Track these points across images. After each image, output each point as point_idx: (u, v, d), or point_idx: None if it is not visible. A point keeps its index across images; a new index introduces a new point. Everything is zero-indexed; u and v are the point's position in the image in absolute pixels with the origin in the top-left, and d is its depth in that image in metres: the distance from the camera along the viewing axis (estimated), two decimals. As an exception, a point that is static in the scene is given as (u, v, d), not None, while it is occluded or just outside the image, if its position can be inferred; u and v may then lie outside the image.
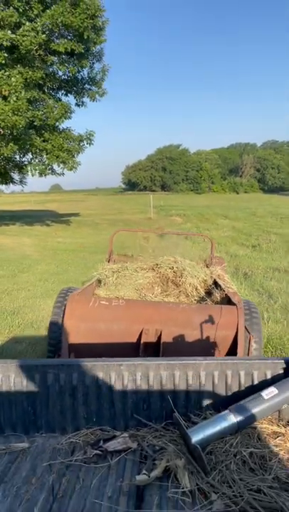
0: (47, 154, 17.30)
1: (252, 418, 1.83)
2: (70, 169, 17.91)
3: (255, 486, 1.50)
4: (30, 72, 14.89)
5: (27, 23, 14.09)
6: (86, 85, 18.97)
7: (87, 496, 1.53)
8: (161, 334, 3.41)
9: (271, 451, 1.73)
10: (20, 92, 13.74)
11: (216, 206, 38.52)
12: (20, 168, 19.54)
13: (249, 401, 1.86)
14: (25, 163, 19.28)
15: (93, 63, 18.67)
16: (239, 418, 1.80)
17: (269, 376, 2.05)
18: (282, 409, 1.94)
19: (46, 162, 17.94)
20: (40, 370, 2.02)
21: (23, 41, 13.92)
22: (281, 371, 2.04)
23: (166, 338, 3.39)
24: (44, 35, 14.48)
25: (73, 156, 18.02)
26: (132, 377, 2.04)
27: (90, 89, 19.03)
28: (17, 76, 13.93)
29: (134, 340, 3.47)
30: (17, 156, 18.57)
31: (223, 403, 2.00)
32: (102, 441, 1.84)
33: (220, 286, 4.61)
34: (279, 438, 1.83)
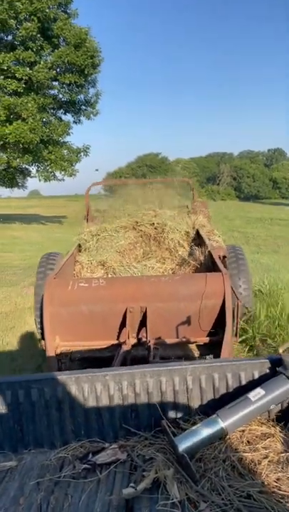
0: (51, 163, 20.96)
1: (240, 421, 1.78)
2: (70, 175, 21.70)
3: (245, 492, 1.46)
4: (42, 99, 18.67)
5: (41, 62, 17.86)
6: (82, 106, 22.69)
7: None
8: (146, 311, 3.29)
9: (260, 454, 1.69)
10: (36, 116, 17.53)
11: (192, 211, 41.61)
12: (25, 174, 23.23)
13: (236, 404, 1.80)
14: (30, 170, 22.94)
15: (88, 88, 22.48)
16: (227, 422, 1.75)
17: (256, 376, 2.00)
18: (270, 409, 1.89)
19: (50, 170, 21.59)
20: (24, 385, 1.96)
21: (38, 76, 17.65)
22: (268, 370, 2.01)
23: (152, 314, 3.28)
24: (54, 72, 18.31)
25: (72, 165, 21.75)
26: (118, 386, 1.98)
27: (85, 109, 22.77)
28: (32, 102, 17.71)
29: (119, 320, 3.37)
30: (24, 165, 22.13)
31: (212, 407, 1.94)
32: (90, 455, 1.77)
33: (204, 241, 4.43)
34: (269, 439, 1.80)
